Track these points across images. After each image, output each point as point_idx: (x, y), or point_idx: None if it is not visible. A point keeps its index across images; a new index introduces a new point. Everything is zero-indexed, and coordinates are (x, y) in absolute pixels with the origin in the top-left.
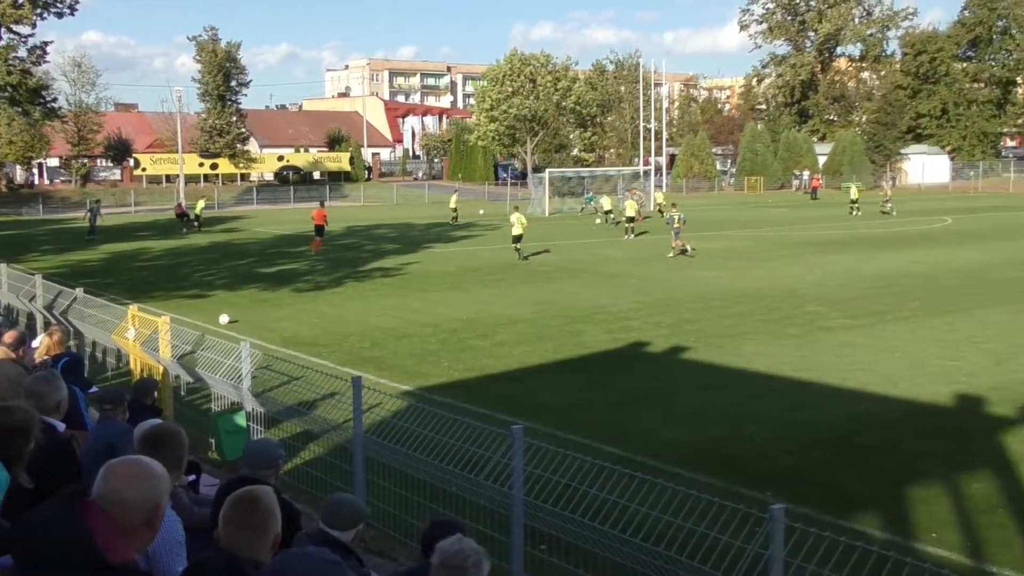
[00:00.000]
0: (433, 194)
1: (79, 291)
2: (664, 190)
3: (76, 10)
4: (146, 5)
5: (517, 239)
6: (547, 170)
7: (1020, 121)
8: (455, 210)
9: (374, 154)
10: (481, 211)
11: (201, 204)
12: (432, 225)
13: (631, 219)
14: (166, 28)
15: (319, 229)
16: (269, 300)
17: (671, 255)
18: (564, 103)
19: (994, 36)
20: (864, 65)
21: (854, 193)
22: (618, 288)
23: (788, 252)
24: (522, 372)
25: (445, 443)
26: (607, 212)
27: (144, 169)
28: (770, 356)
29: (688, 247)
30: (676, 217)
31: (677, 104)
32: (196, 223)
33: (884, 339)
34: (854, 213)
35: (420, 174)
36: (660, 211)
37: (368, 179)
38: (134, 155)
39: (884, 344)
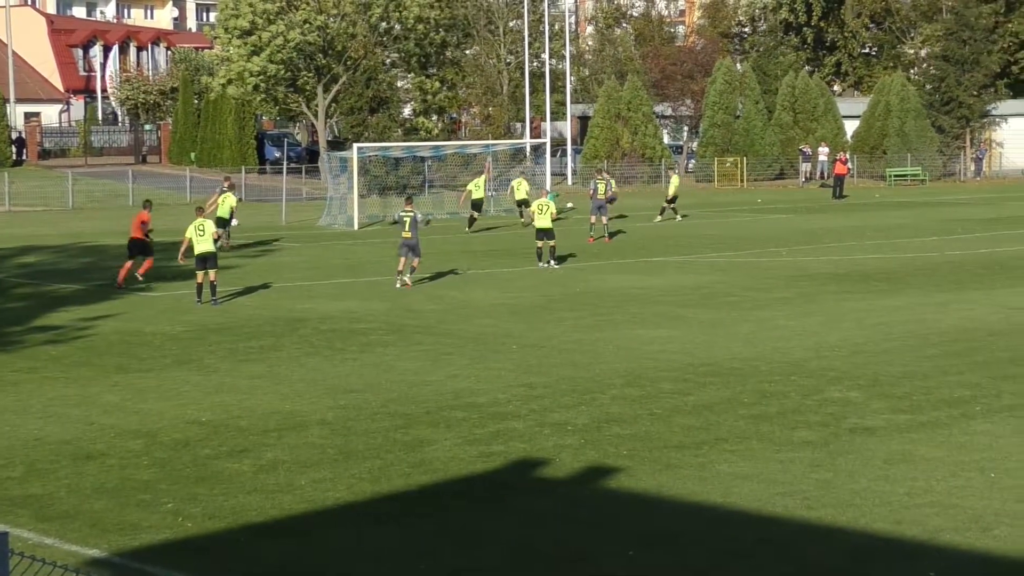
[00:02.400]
0: (143, 189)
1: None
2: (574, 175)
3: None
4: None
5: (205, 261)
6: (355, 145)
7: None
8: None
9: (30, 116)
10: (234, 221)
11: None
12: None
13: (544, 233)
14: None
15: (141, 246)
16: None
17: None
18: (388, 24)
19: None
20: None
21: (673, 186)
22: (489, 360)
23: (794, 293)
24: (314, 520)
25: None
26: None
27: None
28: (765, 481)
29: (404, 278)
30: (412, 220)
31: (592, 28)
32: None
33: (967, 449)
34: (660, 217)
35: (146, 151)
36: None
37: (18, 162)
38: None
39: (967, 458)
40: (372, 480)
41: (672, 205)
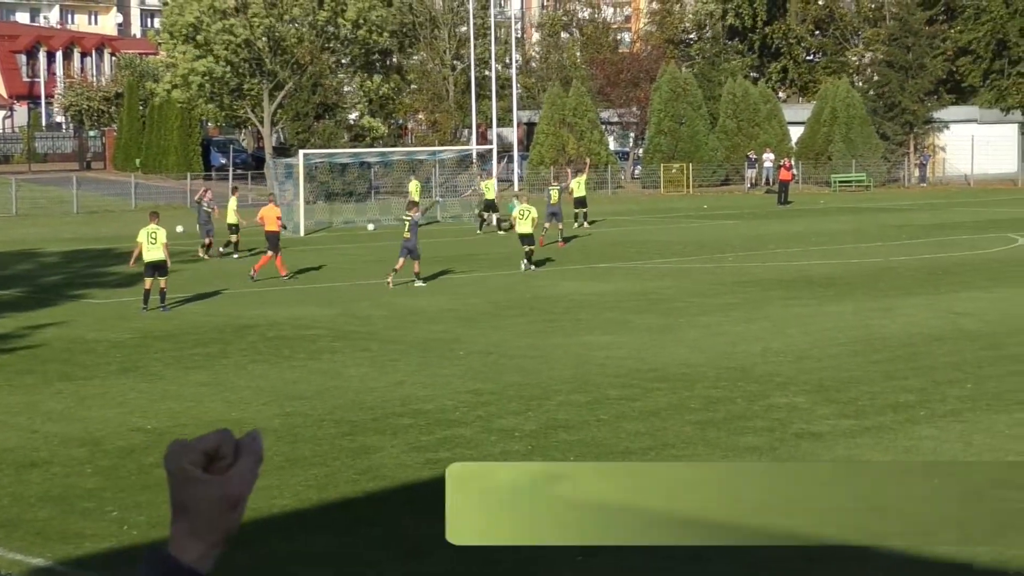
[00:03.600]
0: (89, 195)
1: None
2: (517, 185)
3: None
4: None
5: (155, 268)
6: (301, 152)
7: None
8: (235, 225)
9: None
10: (179, 228)
11: None
12: (92, 254)
13: (525, 238)
14: None
15: (275, 239)
16: None
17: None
18: (335, 28)
19: None
20: None
21: (570, 190)
22: (436, 366)
23: (740, 298)
24: (260, 528)
25: None
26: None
27: None
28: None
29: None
30: (411, 223)
31: (539, 35)
32: None
33: (912, 454)
34: (578, 223)
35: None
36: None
37: None
38: None
39: (912, 462)
40: (319, 487)
41: (582, 210)
